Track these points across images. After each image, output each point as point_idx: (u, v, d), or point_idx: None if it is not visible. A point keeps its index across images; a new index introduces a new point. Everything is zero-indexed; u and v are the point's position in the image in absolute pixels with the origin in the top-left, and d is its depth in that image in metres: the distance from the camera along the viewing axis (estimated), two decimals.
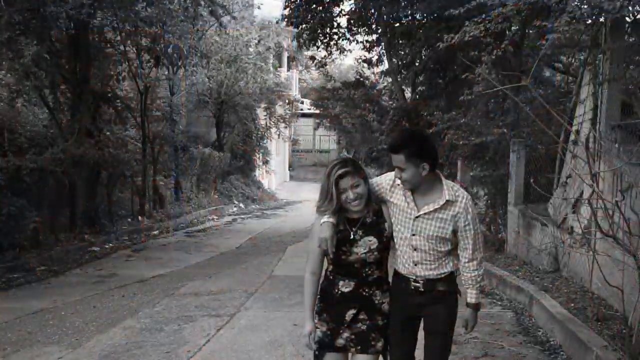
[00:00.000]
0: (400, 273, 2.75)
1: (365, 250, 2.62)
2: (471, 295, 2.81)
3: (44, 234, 8.95)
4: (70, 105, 10.42)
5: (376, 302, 2.68)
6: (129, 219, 12.39)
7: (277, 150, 25.94)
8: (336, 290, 2.66)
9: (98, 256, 9.13)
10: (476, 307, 2.84)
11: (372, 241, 2.63)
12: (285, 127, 23.20)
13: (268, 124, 21.39)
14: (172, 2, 10.77)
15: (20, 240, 8.02)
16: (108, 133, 11.53)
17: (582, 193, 6.07)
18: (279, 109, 21.95)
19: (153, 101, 13.97)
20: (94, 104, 10.51)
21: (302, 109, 27.81)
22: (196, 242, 11.08)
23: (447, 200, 2.59)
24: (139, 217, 12.58)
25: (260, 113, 21.09)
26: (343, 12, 12.86)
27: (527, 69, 8.77)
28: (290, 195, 22.96)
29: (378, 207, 2.70)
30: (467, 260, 2.71)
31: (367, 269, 2.64)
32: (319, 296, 2.70)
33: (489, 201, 9.76)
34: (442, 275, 2.71)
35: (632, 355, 3.66)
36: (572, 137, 6.49)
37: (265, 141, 21.86)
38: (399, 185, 2.65)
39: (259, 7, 19.51)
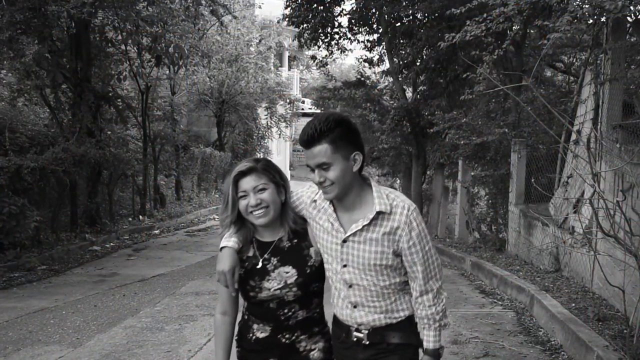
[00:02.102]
0: (339, 319, 2.06)
1: (279, 285, 1.96)
2: (428, 338, 1.99)
3: (45, 233, 8.96)
4: (71, 105, 10.44)
5: (301, 350, 2.03)
6: (130, 219, 12.41)
7: (278, 149, 25.95)
8: (250, 335, 2.05)
9: (99, 255, 9.15)
10: (436, 354, 2.01)
11: (289, 273, 1.97)
12: (286, 127, 23.23)
13: (269, 124, 21.42)
14: (173, 2, 10.78)
15: (21, 239, 8.03)
16: (109, 132, 11.54)
17: (583, 193, 6.07)
18: (280, 109, 21.98)
19: (154, 100, 14.00)
20: (95, 103, 10.52)
21: (303, 109, 27.87)
22: (197, 241, 11.08)
23: (379, 212, 1.89)
24: (140, 217, 12.60)
25: (261, 112, 21.12)
26: (344, 11, 12.88)
27: (528, 69, 8.80)
28: None
29: (300, 228, 2.04)
30: (418, 293, 1.96)
31: (286, 310, 1.98)
32: (236, 337, 2.12)
33: (490, 201, 9.78)
34: (395, 322, 1.99)
35: (633, 356, 3.66)
36: (573, 137, 6.49)
37: (266, 141, 21.89)
38: (319, 200, 2.01)
39: (260, 7, 19.58)
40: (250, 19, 19.72)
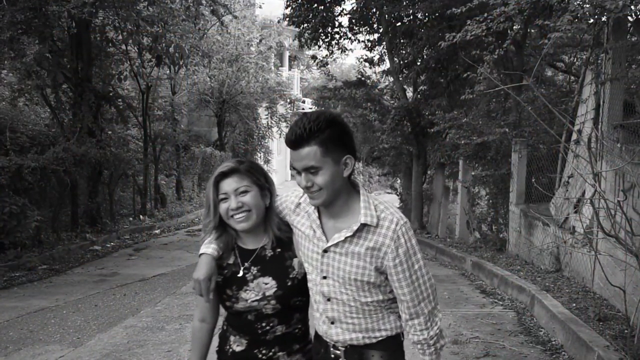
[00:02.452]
0: (318, 333, 1.91)
1: (257, 297, 1.84)
2: None
3: (46, 232, 8.97)
4: (71, 105, 10.45)
5: None
6: (131, 218, 12.42)
7: (279, 149, 25.96)
8: (227, 347, 1.94)
9: (100, 255, 9.15)
10: None
11: (268, 284, 1.85)
12: (287, 127, 23.23)
13: (269, 124, 21.44)
14: (174, 2, 10.78)
15: (22, 239, 8.04)
16: (110, 132, 11.56)
17: (584, 193, 6.07)
18: (281, 108, 21.99)
19: (154, 100, 14.01)
20: (96, 103, 10.53)
21: (303, 108, 27.82)
22: (197, 241, 11.01)
23: (363, 225, 1.72)
24: (141, 216, 12.61)
25: (262, 112, 21.13)
26: (344, 11, 12.89)
27: (529, 69, 8.80)
28: None
29: (285, 236, 1.90)
30: (407, 316, 1.77)
31: (264, 324, 1.86)
32: (217, 348, 2.00)
33: (490, 201, 9.77)
34: (376, 341, 1.81)
35: (634, 356, 3.65)
36: (574, 136, 6.48)
37: (266, 140, 21.90)
38: (304, 203, 1.87)
39: (260, 7, 19.57)
40: (250, 19, 19.73)
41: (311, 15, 12.43)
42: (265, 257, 1.88)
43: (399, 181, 17.85)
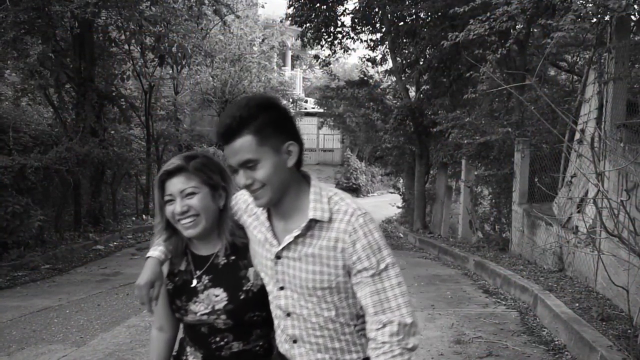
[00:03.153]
0: (280, 352, 1.64)
1: (206, 310, 1.64)
2: None
3: (49, 232, 8.99)
4: (74, 104, 10.48)
5: None
6: (134, 218, 12.44)
7: None
8: (184, 358, 1.77)
9: (102, 255, 9.17)
10: None
11: (218, 297, 1.63)
12: None
13: None
14: (177, 1, 10.81)
15: (25, 238, 8.05)
16: (112, 132, 11.59)
17: (587, 192, 6.06)
18: None
19: (157, 100, 14.04)
20: (99, 102, 10.55)
21: (306, 108, 27.89)
22: None
23: (314, 221, 1.47)
24: (144, 216, 12.64)
25: None
26: (347, 11, 12.91)
27: (531, 68, 8.79)
28: None
29: (240, 242, 1.66)
30: (374, 327, 1.43)
31: (217, 338, 1.66)
32: (174, 353, 1.83)
33: (493, 200, 9.76)
34: None
35: (637, 356, 3.65)
36: (577, 136, 6.47)
37: None
38: (252, 204, 1.59)
39: (263, 6, 19.61)
40: (253, 19, 19.76)
41: (313, 14, 12.44)
42: (217, 265, 1.66)
43: (401, 181, 17.85)
